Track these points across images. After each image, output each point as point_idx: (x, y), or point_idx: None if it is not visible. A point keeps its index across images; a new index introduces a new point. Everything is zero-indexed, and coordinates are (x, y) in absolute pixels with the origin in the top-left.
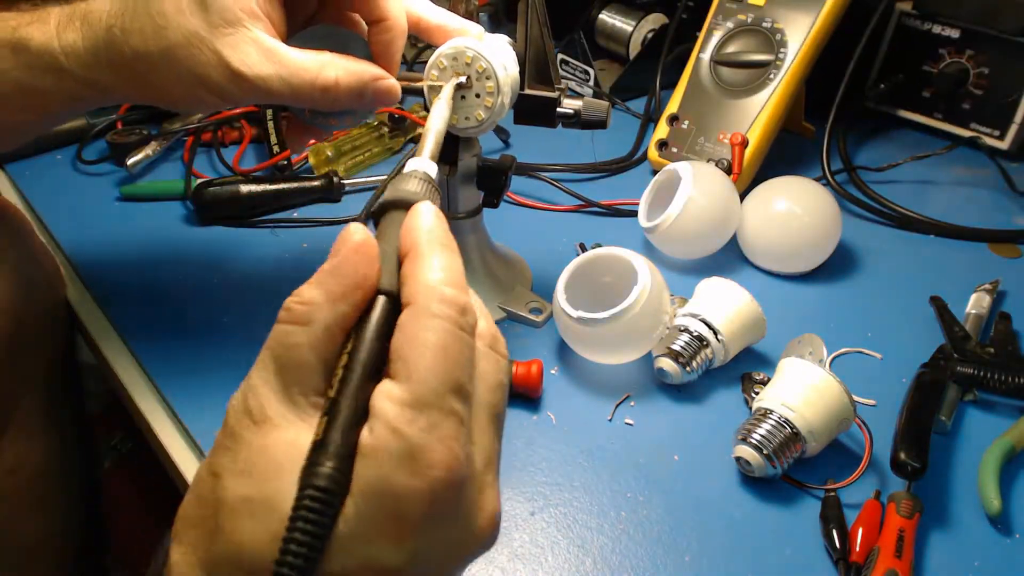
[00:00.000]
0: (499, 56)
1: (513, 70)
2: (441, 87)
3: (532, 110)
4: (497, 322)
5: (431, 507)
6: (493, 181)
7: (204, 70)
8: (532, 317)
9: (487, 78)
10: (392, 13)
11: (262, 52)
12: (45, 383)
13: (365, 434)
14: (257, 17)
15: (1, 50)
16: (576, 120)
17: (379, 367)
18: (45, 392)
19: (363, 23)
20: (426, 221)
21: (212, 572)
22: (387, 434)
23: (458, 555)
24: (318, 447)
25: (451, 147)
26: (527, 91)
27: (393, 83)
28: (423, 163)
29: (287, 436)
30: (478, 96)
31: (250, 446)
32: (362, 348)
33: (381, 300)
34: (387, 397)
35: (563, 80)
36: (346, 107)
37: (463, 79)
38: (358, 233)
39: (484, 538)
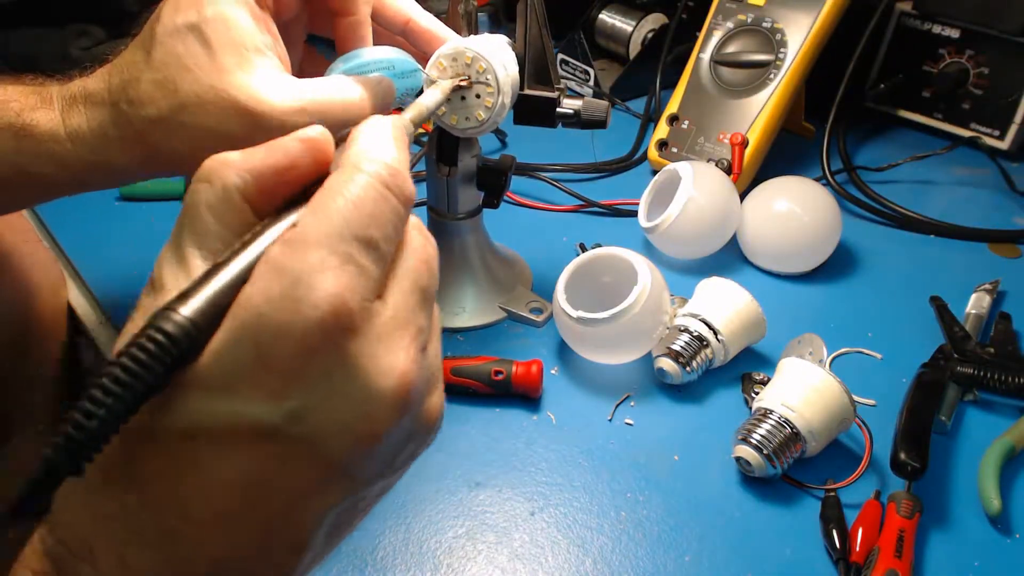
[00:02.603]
0: (499, 56)
1: (513, 70)
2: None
3: (532, 110)
4: (498, 322)
5: (308, 353)
6: (493, 181)
7: (224, 122)
8: (533, 317)
9: (487, 78)
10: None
11: (277, 86)
12: (51, 385)
13: (245, 287)
14: (263, 54)
15: (3, 133)
16: (576, 120)
17: None
18: (50, 396)
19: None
20: (376, 122)
21: None
22: (267, 272)
23: (355, 423)
24: (178, 297)
25: (451, 148)
26: (527, 91)
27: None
28: (396, 118)
29: None
30: (478, 96)
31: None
32: (273, 223)
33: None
34: (279, 241)
35: (563, 80)
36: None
37: (464, 79)
38: (313, 130)
39: (390, 405)
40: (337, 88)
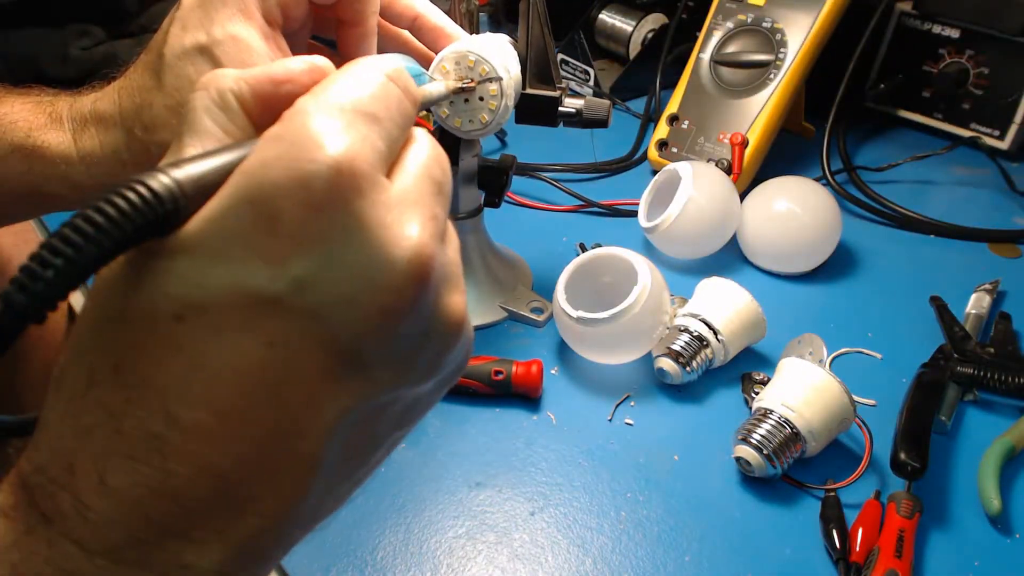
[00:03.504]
0: (502, 58)
1: (516, 71)
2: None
3: (534, 110)
4: (498, 322)
5: (313, 211)
6: (494, 181)
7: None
8: (533, 316)
9: (490, 81)
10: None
11: None
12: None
13: (242, 161)
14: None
15: (13, 155)
16: (578, 119)
17: None
18: None
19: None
20: (388, 57)
21: None
22: (265, 142)
23: (366, 294)
24: (167, 164)
25: (451, 148)
26: (529, 91)
27: None
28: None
29: None
30: (481, 99)
31: None
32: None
33: None
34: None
35: (563, 80)
36: None
37: (468, 81)
38: (318, 58)
39: (404, 278)
40: None
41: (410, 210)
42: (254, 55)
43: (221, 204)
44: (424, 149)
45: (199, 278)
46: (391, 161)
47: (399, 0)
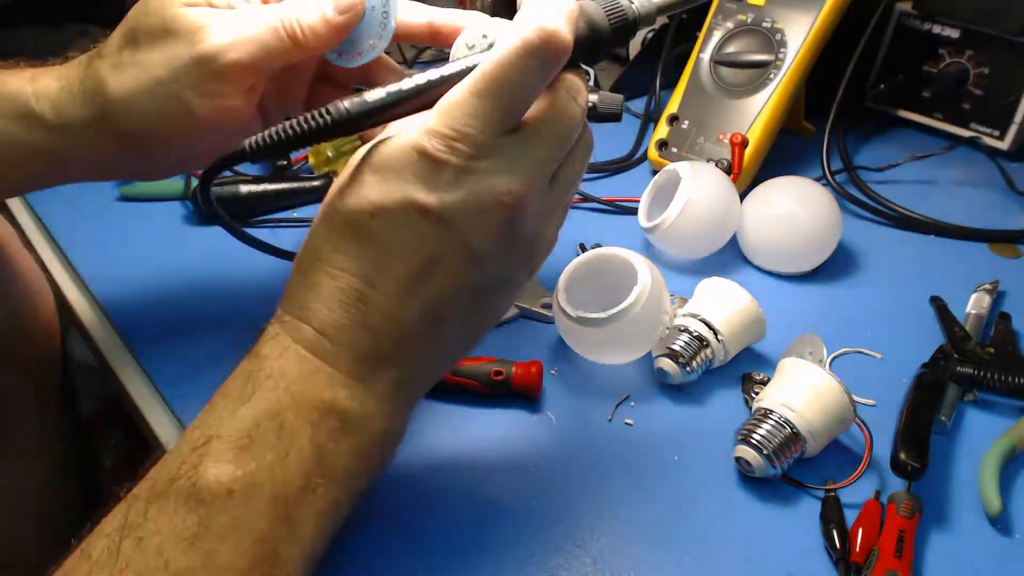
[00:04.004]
0: None
1: None
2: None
3: None
4: (506, 320)
5: (454, 176)
6: None
7: (171, 50)
8: (544, 312)
9: None
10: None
11: (225, 33)
12: (37, 401)
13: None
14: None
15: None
16: (592, 112)
17: None
18: (38, 410)
19: None
20: None
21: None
22: (432, 119)
23: (486, 220)
24: (360, 97)
25: None
26: None
27: None
28: None
29: None
30: None
31: None
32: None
33: None
34: (438, 106)
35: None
36: (332, 41)
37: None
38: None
39: (499, 219)
40: (274, 19)
41: (508, 167)
42: None
43: (404, 143)
44: (553, 114)
45: (386, 189)
46: (518, 120)
47: (405, 19)
